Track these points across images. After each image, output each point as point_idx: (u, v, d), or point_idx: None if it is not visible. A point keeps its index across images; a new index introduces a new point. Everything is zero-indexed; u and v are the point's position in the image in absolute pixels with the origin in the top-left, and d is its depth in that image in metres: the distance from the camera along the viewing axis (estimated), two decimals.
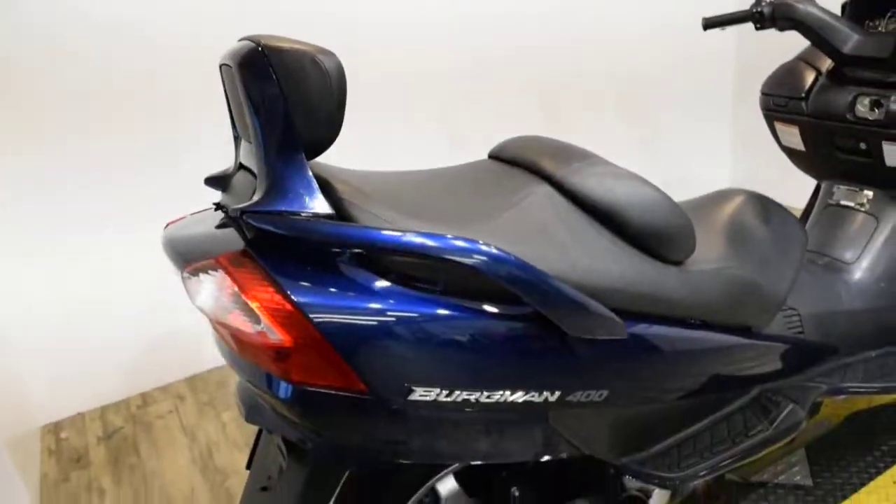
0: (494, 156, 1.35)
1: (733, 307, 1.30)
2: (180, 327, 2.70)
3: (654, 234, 1.18)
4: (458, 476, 1.35)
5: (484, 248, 0.95)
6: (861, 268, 1.73)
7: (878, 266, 1.74)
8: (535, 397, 1.07)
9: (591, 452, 1.21)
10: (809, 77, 1.80)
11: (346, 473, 1.14)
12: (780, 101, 1.83)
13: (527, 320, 1.04)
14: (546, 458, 1.18)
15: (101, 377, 2.68)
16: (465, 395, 1.02)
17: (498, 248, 0.96)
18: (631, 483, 1.38)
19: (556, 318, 1.04)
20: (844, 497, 1.79)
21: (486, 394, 1.04)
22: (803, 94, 1.77)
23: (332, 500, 1.14)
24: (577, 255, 1.10)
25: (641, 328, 1.17)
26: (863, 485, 1.82)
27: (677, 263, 1.23)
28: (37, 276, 2.45)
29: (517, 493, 1.34)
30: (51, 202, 2.40)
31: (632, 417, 1.25)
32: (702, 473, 1.28)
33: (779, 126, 1.87)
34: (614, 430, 1.24)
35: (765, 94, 1.88)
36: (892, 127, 1.61)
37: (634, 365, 1.18)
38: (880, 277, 1.73)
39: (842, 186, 1.85)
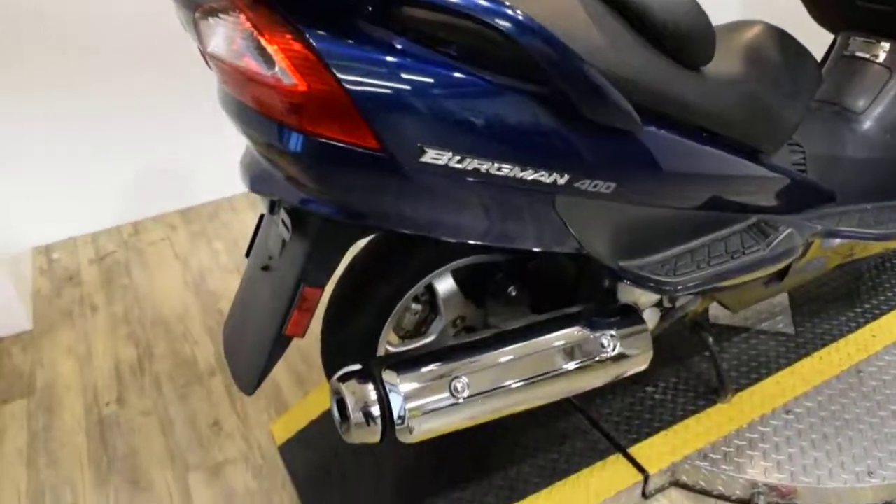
0: None
1: (745, 123, 1.29)
2: (176, 158, 2.68)
3: (674, 33, 1.15)
4: (456, 275, 1.36)
5: (512, 12, 0.93)
6: (870, 117, 1.72)
7: (887, 117, 1.72)
8: (544, 177, 1.07)
9: (591, 251, 1.22)
10: None
11: (350, 247, 1.15)
12: None
13: (545, 97, 1.03)
14: (550, 248, 1.18)
15: (93, 204, 2.67)
16: (476, 163, 1.02)
17: (526, 15, 0.94)
18: (624, 296, 1.41)
19: (576, 98, 1.03)
20: (824, 344, 1.84)
21: (496, 165, 1.03)
22: None
23: (334, 272, 1.16)
24: (599, 43, 1.08)
25: (654, 127, 1.17)
26: (842, 336, 1.87)
27: (695, 69, 1.21)
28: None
29: (513, 293, 1.37)
30: None
31: (634, 221, 1.26)
32: (697, 283, 1.30)
33: None
34: (617, 230, 1.25)
35: None
36: None
37: (644, 162, 1.18)
38: (887, 128, 1.72)
39: (858, 38, 1.81)
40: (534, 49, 0.95)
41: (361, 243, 1.25)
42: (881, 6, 1.68)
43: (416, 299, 1.37)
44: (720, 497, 1.55)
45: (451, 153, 1.00)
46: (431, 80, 0.96)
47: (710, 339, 1.62)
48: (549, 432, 1.63)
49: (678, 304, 1.51)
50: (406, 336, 1.43)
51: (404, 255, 1.27)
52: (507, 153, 1.03)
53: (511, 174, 1.05)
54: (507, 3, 0.93)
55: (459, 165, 1.01)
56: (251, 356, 1.23)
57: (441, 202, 1.06)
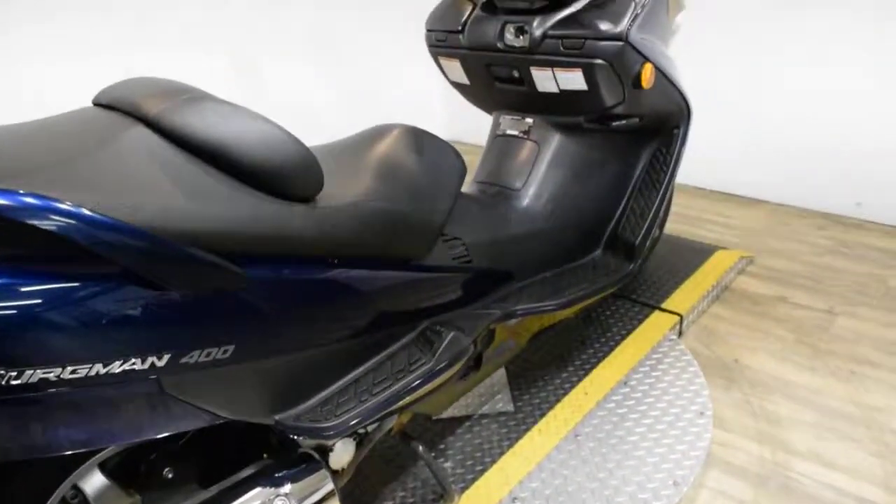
0: (97, 102, 1.19)
1: (376, 240, 1.25)
2: None
3: (267, 170, 1.08)
4: (104, 466, 1.19)
5: (30, 200, 0.80)
6: (528, 193, 1.78)
7: (543, 190, 1.79)
8: (136, 365, 0.95)
9: (234, 416, 1.11)
10: (466, 9, 1.80)
11: None
12: (440, 35, 1.82)
13: (107, 279, 0.91)
14: (184, 429, 1.06)
15: None
16: (41, 373, 0.87)
17: (47, 199, 0.82)
18: (307, 441, 1.31)
19: (151, 275, 0.92)
20: (542, 415, 1.85)
21: (69, 369, 0.89)
22: (460, 27, 1.77)
23: None
24: (177, 201, 0.98)
25: (266, 272, 1.08)
26: (558, 400, 1.90)
27: (305, 200, 1.15)
28: None
29: (171, 475, 1.22)
30: None
31: (274, 370, 1.16)
32: (358, 420, 1.22)
33: (443, 61, 1.86)
34: (256, 386, 1.14)
35: (428, 30, 1.86)
36: (536, 52, 1.65)
37: (262, 313, 1.09)
38: (547, 200, 1.80)
39: (507, 116, 1.89)
40: (81, 237, 0.83)
41: None
42: (517, 86, 1.76)
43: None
44: None
45: (1, 370, 0.84)
46: None
47: (420, 448, 1.56)
48: None
49: (370, 429, 1.43)
50: None
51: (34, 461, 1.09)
52: (79, 352, 0.90)
53: (91, 373, 0.91)
54: (22, 191, 0.80)
55: (21, 381, 0.86)
56: None
57: (18, 423, 0.90)
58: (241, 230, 1.04)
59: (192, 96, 1.13)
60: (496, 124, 1.92)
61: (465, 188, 1.87)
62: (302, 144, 1.14)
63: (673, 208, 2.83)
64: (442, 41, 1.82)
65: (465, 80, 1.85)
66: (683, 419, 1.80)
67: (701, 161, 3.03)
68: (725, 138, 3.12)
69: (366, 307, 1.27)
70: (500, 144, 1.88)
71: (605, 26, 1.58)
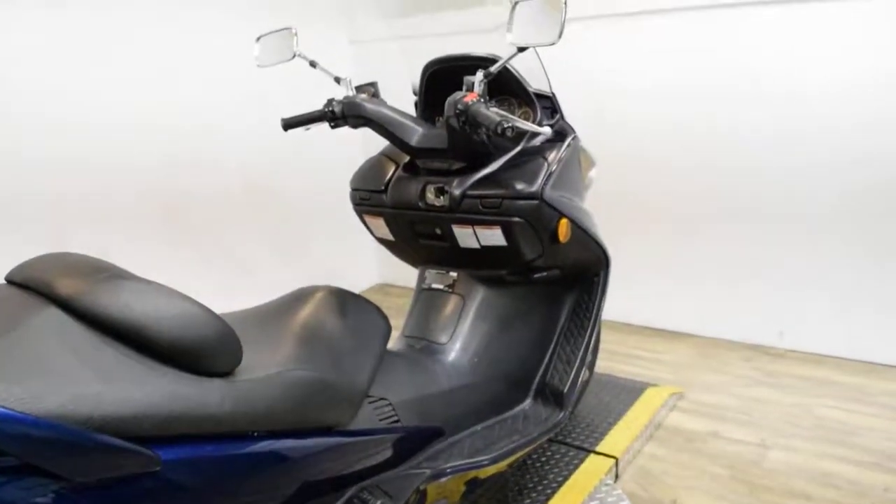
0: (9, 279, 1.18)
1: (298, 410, 1.24)
2: None
3: (182, 348, 1.08)
4: None
5: None
6: (455, 347, 1.80)
7: (470, 343, 1.82)
8: None
9: None
10: (390, 170, 1.88)
11: None
12: (364, 194, 1.88)
13: (6, 472, 0.87)
14: None
15: None
16: None
17: None
18: None
19: (52, 466, 0.89)
20: None
21: None
22: (383, 187, 1.84)
23: None
24: (85, 385, 0.96)
25: (182, 452, 1.05)
26: None
27: (224, 375, 1.15)
28: None
29: None
30: None
31: None
32: None
33: (367, 219, 1.92)
34: None
35: (353, 189, 1.93)
36: (456, 211, 1.71)
37: (178, 495, 1.05)
38: (474, 353, 1.82)
39: (432, 270, 1.93)
40: None
41: None
42: (440, 242, 1.81)
43: None
44: None
45: None
46: None
47: None
48: None
49: None
50: None
51: None
52: None
53: None
54: None
55: None
56: None
57: None
58: (154, 411, 1.01)
59: (108, 275, 1.13)
60: (422, 278, 1.96)
61: (392, 343, 1.89)
62: (219, 320, 1.14)
63: (603, 345, 2.89)
64: (366, 200, 1.88)
65: (389, 236, 1.90)
66: None
67: (629, 298, 3.14)
68: (652, 274, 3.24)
69: (290, 479, 1.24)
70: (426, 298, 1.92)
71: (520, 185, 1.66)
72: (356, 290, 3.54)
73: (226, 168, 3.26)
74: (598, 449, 2.25)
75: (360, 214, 1.93)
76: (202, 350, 1.10)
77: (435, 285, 1.91)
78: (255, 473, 1.17)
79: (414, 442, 1.57)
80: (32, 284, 1.12)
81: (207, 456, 1.09)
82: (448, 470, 1.57)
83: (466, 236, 1.73)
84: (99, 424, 0.93)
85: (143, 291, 1.10)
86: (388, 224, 1.87)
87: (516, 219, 1.66)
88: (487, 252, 1.74)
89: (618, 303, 3.19)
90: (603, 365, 2.81)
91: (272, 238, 3.56)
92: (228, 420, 1.12)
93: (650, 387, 2.65)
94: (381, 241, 1.97)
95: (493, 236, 1.69)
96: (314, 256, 3.76)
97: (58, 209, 2.61)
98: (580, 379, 1.96)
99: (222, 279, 3.21)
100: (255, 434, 1.18)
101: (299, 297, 1.50)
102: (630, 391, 2.62)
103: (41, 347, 0.98)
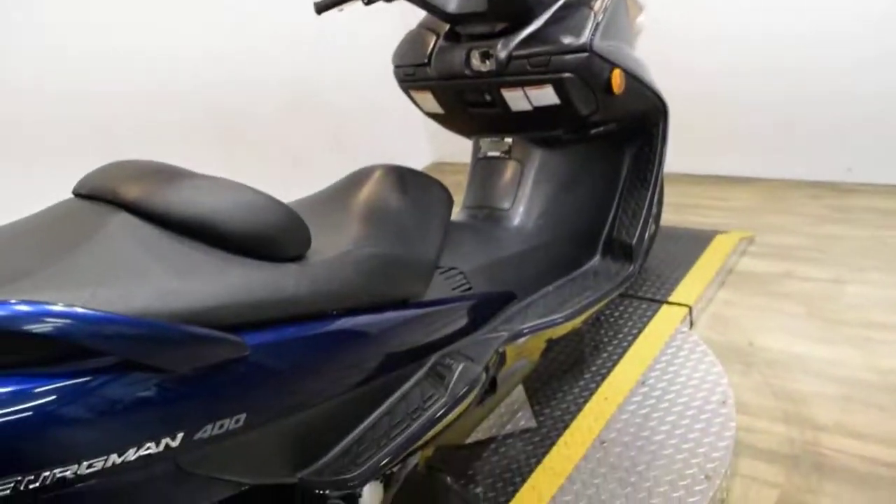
0: (77, 192, 1.21)
1: (371, 286, 1.27)
2: None
3: (253, 237, 1.10)
4: None
5: (25, 308, 0.82)
6: (518, 212, 1.80)
7: (533, 206, 1.81)
8: (150, 449, 0.96)
9: (257, 480, 1.12)
10: (430, 41, 1.83)
11: None
12: (408, 70, 1.84)
13: (109, 371, 0.92)
14: (208, 501, 1.07)
15: None
16: (58, 473, 0.88)
17: (44, 303, 0.84)
18: (333, 493, 1.31)
19: (152, 360, 0.93)
20: (566, 427, 1.86)
21: (85, 465, 0.90)
22: (426, 60, 1.80)
23: None
24: (168, 282, 1.00)
25: (266, 337, 1.09)
26: (579, 410, 1.90)
27: (295, 259, 1.17)
28: None
29: None
30: None
31: (290, 430, 1.17)
32: (380, 466, 1.23)
33: (414, 94, 1.88)
34: (275, 448, 1.15)
35: (396, 66, 1.89)
36: (504, 74, 1.67)
37: (268, 378, 1.10)
38: (538, 216, 1.81)
39: (486, 139, 1.91)
40: (68, 335, 0.85)
41: None
42: (491, 109, 1.77)
43: None
44: None
45: (18, 476, 0.86)
46: None
47: (449, 479, 1.57)
48: None
49: (395, 469, 1.44)
50: None
51: None
52: (89, 447, 0.91)
53: (107, 465, 0.92)
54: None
55: (37, 484, 0.87)
56: None
57: None
58: (235, 300, 1.05)
59: (170, 175, 1.15)
60: (476, 148, 1.94)
61: (455, 215, 1.89)
62: (284, 205, 1.16)
63: (667, 198, 2.85)
64: (410, 75, 1.84)
65: (438, 109, 1.87)
66: (707, 410, 1.80)
67: (689, 148, 3.06)
68: (710, 121, 3.14)
69: (371, 353, 1.28)
70: (484, 167, 1.90)
71: (568, 39, 1.60)
72: None
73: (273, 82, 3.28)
74: (670, 299, 2.26)
75: (406, 90, 1.90)
76: (272, 237, 1.13)
77: (491, 153, 1.89)
78: (337, 351, 1.22)
79: (488, 307, 1.60)
80: (99, 194, 1.15)
81: (290, 338, 1.13)
82: (524, 331, 1.60)
83: (517, 99, 1.69)
84: (186, 317, 0.97)
85: (208, 187, 1.11)
86: (436, 96, 1.83)
87: (567, 74, 1.60)
88: (540, 113, 1.70)
89: (678, 154, 3.14)
90: (668, 217, 2.78)
91: (322, 136, 3.57)
92: (306, 301, 1.15)
93: (719, 234, 2.62)
94: (431, 115, 1.95)
95: (545, 95, 1.65)
96: (364, 145, 3.76)
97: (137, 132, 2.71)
98: (647, 232, 1.95)
99: (279, 175, 3.26)
100: (334, 313, 1.22)
101: (358, 179, 1.51)
102: (698, 240, 2.60)
103: (118, 252, 1.01)
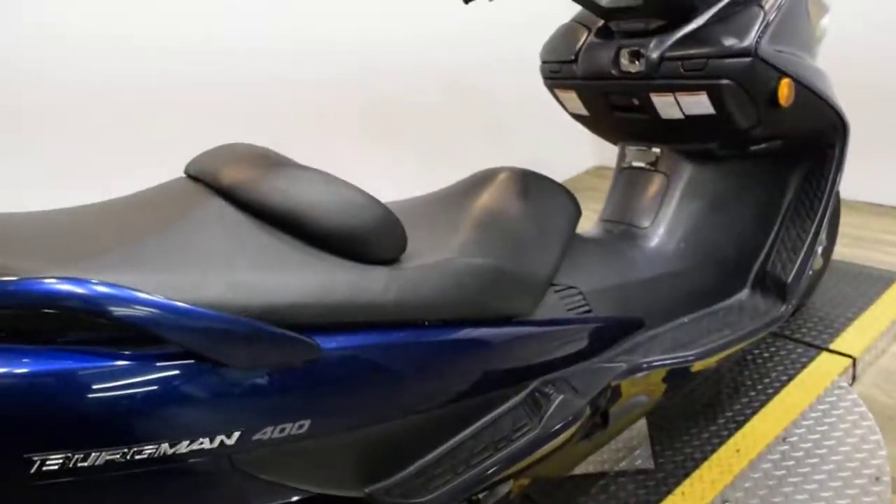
0: (187, 172, 1.20)
1: (470, 299, 1.16)
2: None
3: (341, 234, 1.03)
4: None
5: (83, 289, 0.80)
6: (659, 231, 1.62)
7: (676, 226, 1.62)
8: (204, 444, 0.91)
9: (319, 490, 1.05)
10: (581, 37, 1.68)
11: None
12: (554, 66, 1.71)
13: (170, 358, 0.88)
14: None
15: None
16: (106, 455, 0.85)
17: (101, 284, 0.81)
18: None
19: (214, 354, 0.89)
20: (686, 475, 1.66)
21: (134, 449, 0.87)
22: (573, 56, 1.66)
23: None
24: (245, 274, 0.95)
25: (344, 342, 1.02)
26: (705, 458, 1.69)
27: (389, 262, 1.09)
28: None
29: None
30: None
31: (360, 441, 1.09)
32: (454, 494, 1.13)
33: (559, 93, 1.75)
34: (341, 459, 1.08)
35: (543, 61, 1.76)
36: (654, 77, 1.50)
37: (340, 386, 1.02)
38: (681, 238, 1.62)
39: (631, 147, 1.74)
40: (134, 320, 0.82)
41: None
42: (639, 115, 1.61)
43: None
44: None
45: (68, 452, 0.83)
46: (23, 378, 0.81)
47: None
48: None
49: (482, 495, 1.33)
50: None
51: None
52: (140, 432, 0.87)
53: (157, 454, 0.88)
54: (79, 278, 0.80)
55: (86, 464, 0.85)
56: None
57: None
58: (312, 299, 0.98)
59: (270, 163, 1.10)
60: (621, 156, 1.77)
61: (589, 229, 1.74)
62: (381, 205, 1.08)
63: (844, 229, 2.53)
64: (556, 72, 1.71)
65: (583, 110, 1.73)
66: (855, 485, 1.54)
67: (879, 173, 2.71)
68: None
69: (461, 371, 1.18)
70: (627, 178, 1.73)
71: (729, 41, 1.40)
72: (569, 175, 3.40)
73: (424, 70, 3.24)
74: (832, 347, 1.98)
75: (551, 89, 1.77)
76: (363, 236, 1.05)
77: (635, 163, 1.72)
78: (422, 365, 1.12)
79: (607, 333, 1.44)
80: (202, 176, 1.13)
81: (370, 345, 1.05)
82: (645, 365, 1.43)
83: (668, 106, 1.52)
84: (257, 312, 0.92)
85: (302, 179, 1.06)
86: (581, 97, 1.69)
87: (725, 81, 1.41)
88: (693, 122, 1.52)
89: (863, 179, 2.77)
90: (843, 252, 2.47)
91: (477, 131, 3.49)
92: (393, 309, 1.07)
93: None
94: (575, 116, 1.80)
95: (699, 104, 1.46)
96: (520, 143, 3.64)
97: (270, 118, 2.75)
98: (808, 268, 1.70)
99: (434, 168, 3.23)
100: (426, 323, 1.13)
101: (480, 181, 1.40)
102: (876, 282, 2.26)
103: (202, 238, 0.98)
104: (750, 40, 1.40)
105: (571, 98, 1.71)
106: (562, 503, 1.64)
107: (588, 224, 1.79)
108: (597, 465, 1.75)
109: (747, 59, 1.40)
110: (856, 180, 2.77)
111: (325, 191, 1.05)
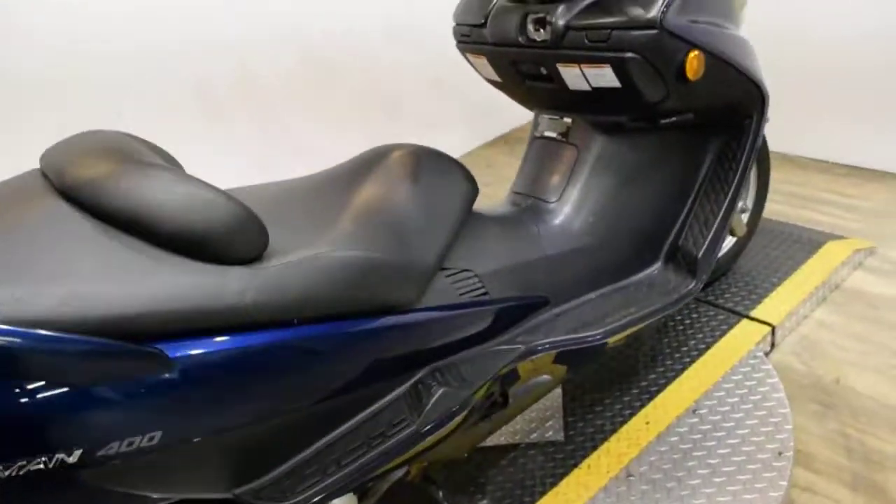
0: (40, 164, 1.12)
1: (342, 293, 1.11)
2: None
3: (188, 235, 0.97)
4: None
5: None
6: (565, 206, 1.57)
7: (584, 200, 1.58)
8: (41, 465, 0.87)
9: (185, 495, 1.03)
10: (492, 0, 1.60)
11: None
12: (465, 30, 1.63)
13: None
14: None
15: None
16: None
17: None
18: None
19: (34, 374, 0.84)
20: (594, 448, 1.66)
21: None
22: (483, 20, 1.57)
23: None
24: (79, 283, 0.90)
25: (195, 348, 0.97)
26: (614, 430, 1.69)
27: (249, 262, 1.03)
28: None
29: None
30: None
31: (224, 447, 1.06)
32: (324, 494, 1.11)
33: (471, 58, 1.67)
34: (203, 463, 1.05)
35: (455, 23, 1.67)
36: (560, 47, 1.43)
37: (193, 394, 0.98)
38: (589, 212, 1.58)
39: (545, 116, 1.67)
40: None
41: None
42: (547, 84, 1.54)
43: None
44: None
45: None
46: None
47: (441, 494, 1.43)
48: None
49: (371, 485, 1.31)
50: None
51: None
52: None
53: None
54: None
55: None
56: None
57: None
58: (159, 306, 0.93)
59: (119, 159, 1.03)
60: (535, 124, 1.71)
61: (493, 205, 1.69)
62: (235, 202, 1.02)
63: (784, 186, 2.50)
64: (467, 36, 1.63)
65: (495, 76, 1.65)
66: (757, 459, 1.55)
67: (820, 128, 2.66)
68: (855, 100, 2.68)
69: (335, 367, 1.14)
70: (538, 149, 1.67)
71: (634, 12, 1.33)
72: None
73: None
74: (752, 314, 1.97)
75: (463, 52, 1.69)
76: (214, 236, 0.99)
77: (548, 133, 1.65)
78: (290, 365, 1.08)
79: (505, 315, 1.41)
80: (48, 172, 1.05)
81: (228, 350, 1.00)
82: (544, 346, 1.40)
83: (574, 77, 1.45)
84: (95, 325, 0.87)
85: (148, 177, 1.00)
86: (492, 63, 1.61)
87: (629, 54, 1.35)
88: (601, 95, 1.46)
89: (806, 135, 2.72)
90: (779, 209, 2.44)
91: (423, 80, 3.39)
92: (253, 311, 1.02)
93: (832, 239, 2.25)
94: (490, 81, 1.73)
95: (604, 77, 1.40)
96: (468, 91, 3.53)
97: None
98: (719, 242, 1.66)
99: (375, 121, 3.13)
100: (296, 322, 1.08)
101: (366, 161, 1.34)
102: (806, 244, 2.24)
103: (37, 245, 0.92)
104: (656, 11, 1.33)
105: (483, 64, 1.64)
106: (468, 478, 1.64)
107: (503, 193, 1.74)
108: (508, 436, 1.75)
109: (652, 32, 1.33)
110: (804, 135, 2.73)
111: (172, 189, 0.99)
